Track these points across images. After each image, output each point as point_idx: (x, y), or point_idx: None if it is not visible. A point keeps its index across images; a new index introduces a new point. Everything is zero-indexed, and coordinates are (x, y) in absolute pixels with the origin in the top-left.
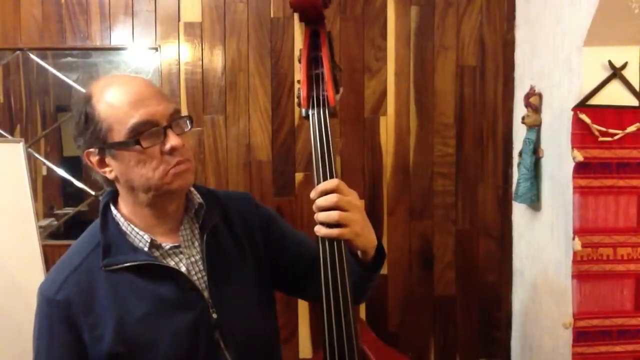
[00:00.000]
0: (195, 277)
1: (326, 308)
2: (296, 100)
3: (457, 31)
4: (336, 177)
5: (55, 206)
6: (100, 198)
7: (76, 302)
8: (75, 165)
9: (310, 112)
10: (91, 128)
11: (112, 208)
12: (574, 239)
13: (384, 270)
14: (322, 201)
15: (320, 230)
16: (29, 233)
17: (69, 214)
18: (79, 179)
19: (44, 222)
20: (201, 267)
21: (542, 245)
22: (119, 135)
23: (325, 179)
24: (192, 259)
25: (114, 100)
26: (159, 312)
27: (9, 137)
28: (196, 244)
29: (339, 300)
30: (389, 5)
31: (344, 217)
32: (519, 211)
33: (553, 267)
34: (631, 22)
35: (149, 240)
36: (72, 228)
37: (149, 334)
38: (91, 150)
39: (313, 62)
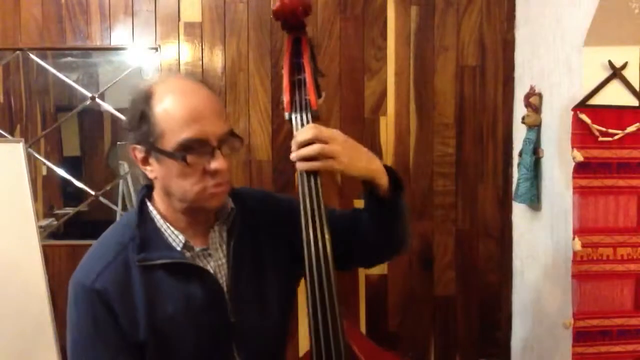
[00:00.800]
0: (220, 281)
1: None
2: (280, 105)
3: (457, 31)
4: (319, 174)
5: (55, 206)
6: (137, 192)
7: (113, 292)
8: (75, 165)
9: (293, 116)
10: (144, 128)
11: (149, 204)
12: (574, 239)
13: (384, 271)
14: (300, 136)
15: (300, 165)
16: (29, 233)
17: (69, 214)
18: (79, 179)
19: (44, 222)
20: (226, 271)
21: (542, 245)
22: (169, 144)
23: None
24: (219, 262)
25: (173, 109)
26: (187, 312)
27: (9, 137)
28: (223, 247)
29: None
30: (389, 5)
31: (325, 149)
32: (519, 211)
33: (553, 267)
34: (631, 22)
35: (183, 241)
36: (72, 228)
37: (175, 333)
38: (138, 147)
39: (295, 68)
